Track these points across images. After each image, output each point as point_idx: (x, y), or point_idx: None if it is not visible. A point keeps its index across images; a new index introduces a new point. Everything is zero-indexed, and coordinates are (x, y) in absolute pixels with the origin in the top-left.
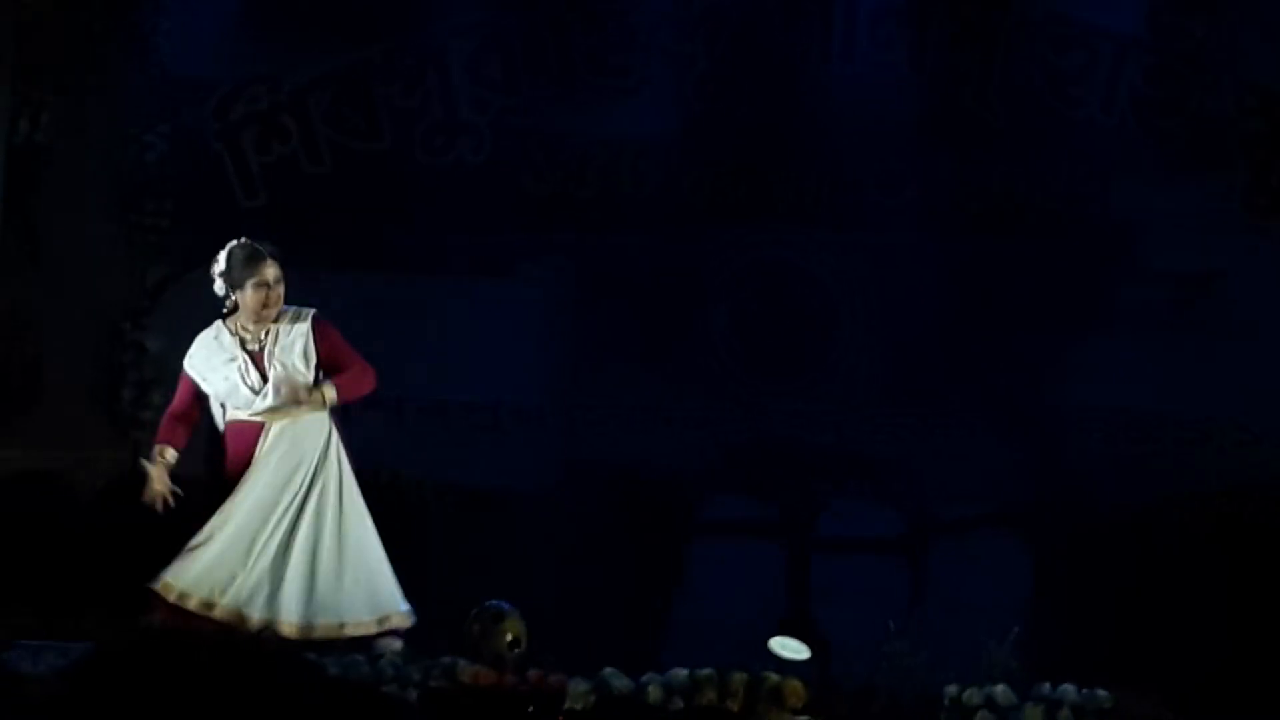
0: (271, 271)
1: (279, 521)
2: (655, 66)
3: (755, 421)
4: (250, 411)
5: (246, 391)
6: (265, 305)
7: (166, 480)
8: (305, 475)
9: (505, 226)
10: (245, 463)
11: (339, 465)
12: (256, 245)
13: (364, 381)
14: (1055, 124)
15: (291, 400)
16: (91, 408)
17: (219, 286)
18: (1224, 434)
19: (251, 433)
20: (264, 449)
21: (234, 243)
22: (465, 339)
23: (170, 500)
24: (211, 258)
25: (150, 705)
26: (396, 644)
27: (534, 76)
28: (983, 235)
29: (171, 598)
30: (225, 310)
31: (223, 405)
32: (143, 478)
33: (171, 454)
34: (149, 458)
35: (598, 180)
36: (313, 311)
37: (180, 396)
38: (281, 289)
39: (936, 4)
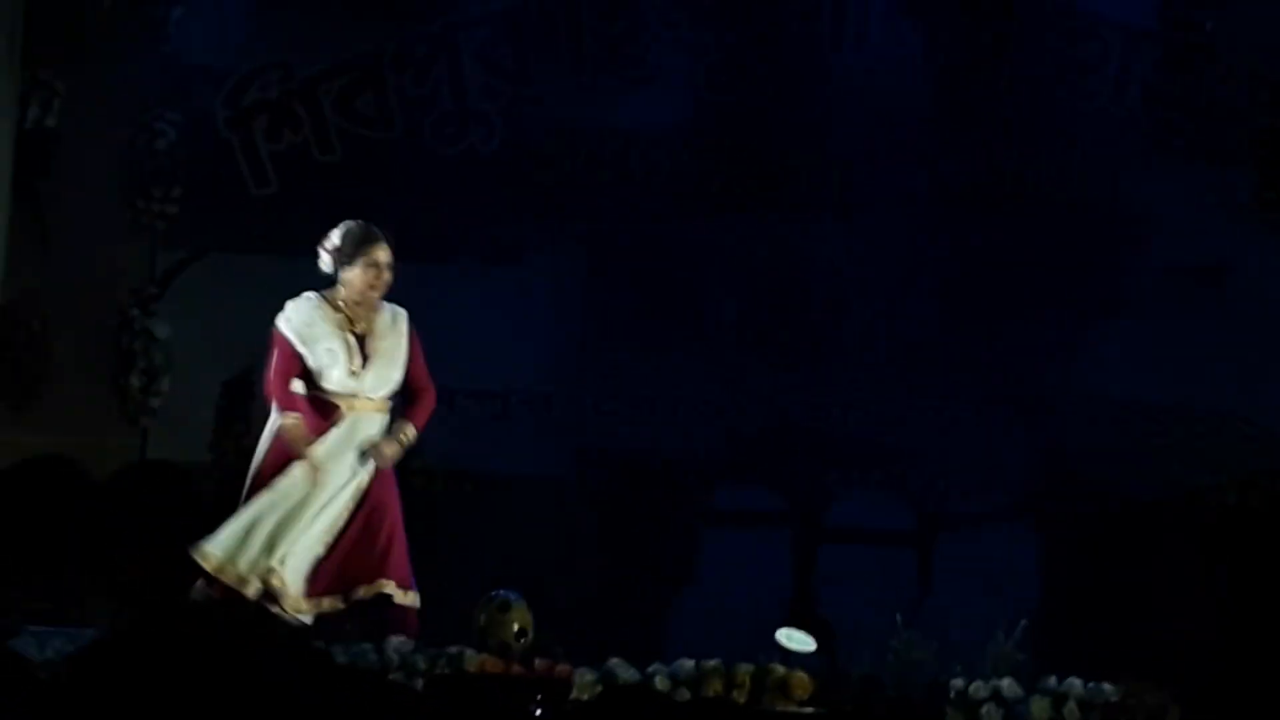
0: (384, 254)
1: (326, 505)
2: (667, 55)
3: (765, 410)
4: (347, 391)
5: (346, 371)
6: (373, 287)
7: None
8: (358, 467)
9: (516, 215)
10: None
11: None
12: (373, 227)
13: (430, 410)
14: (1066, 115)
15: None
16: (101, 394)
17: (325, 261)
18: (1232, 427)
19: (328, 412)
20: (338, 435)
21: (350, 221)
22: (475, 327)
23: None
24: (221, 244)
25: (155, 692)
26: (409, 645)
27: (545, 65)
28: (993, 226)
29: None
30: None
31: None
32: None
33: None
34: (281, 431)
35: (608, 169)
36: (406, 314)
37: (286, 357)
38: (390, 276)
39: None
